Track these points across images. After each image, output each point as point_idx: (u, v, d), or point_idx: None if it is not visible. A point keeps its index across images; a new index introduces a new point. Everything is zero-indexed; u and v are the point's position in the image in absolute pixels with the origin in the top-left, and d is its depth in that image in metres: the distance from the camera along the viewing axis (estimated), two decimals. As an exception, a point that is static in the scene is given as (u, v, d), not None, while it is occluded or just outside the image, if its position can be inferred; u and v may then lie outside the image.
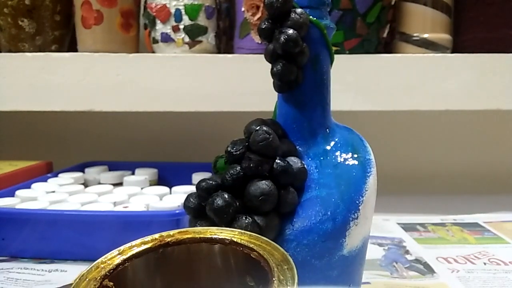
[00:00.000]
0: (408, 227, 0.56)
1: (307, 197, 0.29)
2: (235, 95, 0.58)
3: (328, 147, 0.31)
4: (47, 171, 0.64)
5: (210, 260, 0.25)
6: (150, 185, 0.60)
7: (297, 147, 0.31)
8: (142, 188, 0.56)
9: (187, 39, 0.58)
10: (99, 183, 0.61)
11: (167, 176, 0.65)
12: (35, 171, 0.62)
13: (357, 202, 0.29)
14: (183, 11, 0.57)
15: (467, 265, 0.45)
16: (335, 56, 0.32)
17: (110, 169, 0.65)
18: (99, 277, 0.22)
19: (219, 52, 0.62)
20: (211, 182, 0.28)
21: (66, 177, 0.59)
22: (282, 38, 0.29)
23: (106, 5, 0.58)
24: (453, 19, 0.60)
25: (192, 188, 0.54)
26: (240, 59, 0.58)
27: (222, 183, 0.28)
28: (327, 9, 0.32)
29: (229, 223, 0.27)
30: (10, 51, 0.60)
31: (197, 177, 0.60)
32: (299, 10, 0.30)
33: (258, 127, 0.29)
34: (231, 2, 0.62)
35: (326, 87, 0.32)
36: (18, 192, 0.52)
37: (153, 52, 0.60)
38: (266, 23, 0.31)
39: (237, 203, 0.27)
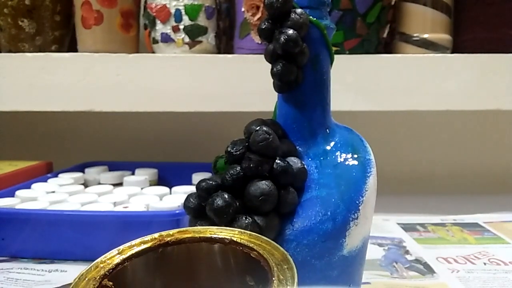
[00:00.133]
0: (408, 227, 0.56)
1: (307, 197, 0.29)
2: (235, 95, 0.58)
3: (328, 147, 0.31)
4: (47, 171, 0.64)
5: (210, 260, 0.25)
6: (150, 185, 0.60)
7: (297, 147, 0.31)
8: (142, 188, 0.56)
9: (187, 39, 0.58)
10: (99, 183, 0.61)
11: (167, 176, 0.65)
12: (35, 171, 0.62)
13: (357, 202, 0.29)
14: (183, 11, 0.57)
15: (467, 265, 0.45)
16: (335, 56, 0.32)
17: (110, 169, 0.65)
18: (98, 277, 0.22)
19: (219, 52, 0.62)
20: (211, 182, 0.28)
21: (66, 177, 0.59)
22: (282, 38, 0.29)
23: (106, 5, 0.58)
24: (453, 19, 0.60)
25: (192, 188, 0.54)
26: (240, 59, 0.58)
27: (222, 183, 0.28)
28: (327, 9, 0.32)
29: (229, 223, 0.27)
30: (10, 51, 0.60)
31: (197, 177, 0.60)
32: (299, 10, 0.30)
33: (258, 127, 0.29)
34: (231, 2, 0.62)
35: (326, 87, 0.32)
36: (18, 192, 0.52)
37: (153, 52, 0.60)
38: (266, 23, 0.31)
39: (237, 203, 0.27)
